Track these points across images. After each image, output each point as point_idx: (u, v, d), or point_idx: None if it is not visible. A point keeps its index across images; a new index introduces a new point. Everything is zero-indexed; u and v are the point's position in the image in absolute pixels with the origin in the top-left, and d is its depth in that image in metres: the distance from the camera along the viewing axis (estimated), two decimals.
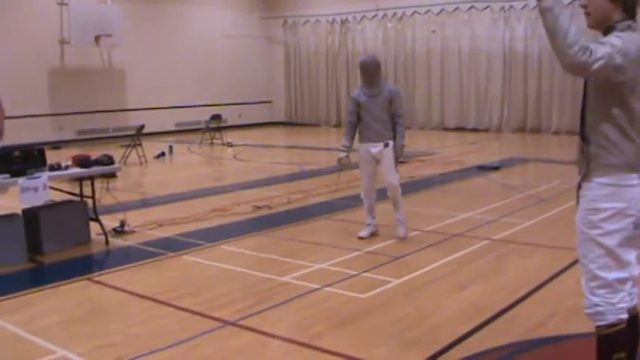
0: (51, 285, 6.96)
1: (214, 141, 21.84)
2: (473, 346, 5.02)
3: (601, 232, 3.51)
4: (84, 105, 23.37)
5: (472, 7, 23.90)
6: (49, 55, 22.53)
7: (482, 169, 14.23)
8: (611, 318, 3.58)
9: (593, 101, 3.54)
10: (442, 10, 24.57)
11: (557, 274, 6.74)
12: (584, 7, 3.55)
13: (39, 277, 7.61)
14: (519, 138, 22.01)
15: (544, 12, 3.22)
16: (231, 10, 28.28)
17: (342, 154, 8.38)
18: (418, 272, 6.97)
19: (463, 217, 9.59)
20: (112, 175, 10.88)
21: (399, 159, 8.38)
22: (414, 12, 25.29)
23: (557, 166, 14.74)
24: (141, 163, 16.74)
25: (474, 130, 24.00)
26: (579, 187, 3.65)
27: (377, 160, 8.26)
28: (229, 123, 26.07)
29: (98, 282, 7.09)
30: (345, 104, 25.46)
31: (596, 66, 3.22)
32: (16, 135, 16.65)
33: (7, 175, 7.74)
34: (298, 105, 29.50)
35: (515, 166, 15.09)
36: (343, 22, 27.49)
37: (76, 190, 8.92)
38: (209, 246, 8.34)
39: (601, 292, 3.58)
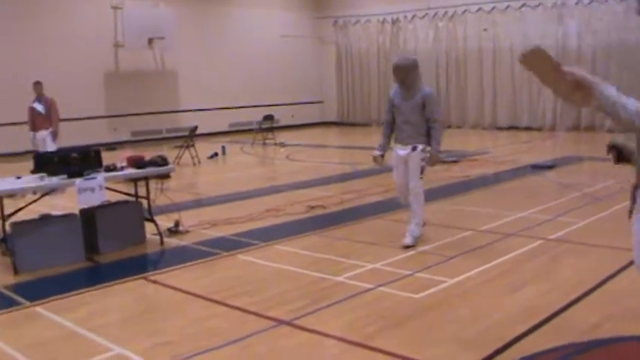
0: (107, 284, 7.06)
1: (267, 141, 21.93)
2: (529, 346, 4.95)
3: None
4: (138, 107, 23.72)
5: (524, 4, 23.61)
6: (104, 59, 22.93)
7: (536, 168, 14.04)
8: None
9: None
10: (494, 8, 24.34)
11: (613, 275, 6.60)
12: None
13: (96, 275, 7.73)
14: (573, 136, 21.67)
15: (599, 107, 3.14)
16: (283, 10, 28.39)
17: (377, 153, 8.22)
18: (472, 272, 6.89)
19: (517, 216, 9.46)
20: (165, 176, 10.98)
21: (434, 165, 8.17)
22: (466, 10, 25.10)
23: (612, 164, 14.43)
24: (194, 164, 16.90)
25: (527, 128, 23.70)
26: (636, 187, 3.54)
27: (406, 162, 8.10)
28: (281, 123, 26.16)
29: (154, 281, 7.17)
30: None
31: None
32: (73, 136, 17.04)
33: (65, 176, 7.89)
34: (350, 105, 29.46)
35: (569, 165, 14.86)
36: (394, 22, 27.38)
37: (131, 191, 9.04)
38: (263, 245, 8.37)
39: None
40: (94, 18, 22.54)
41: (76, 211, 8.48)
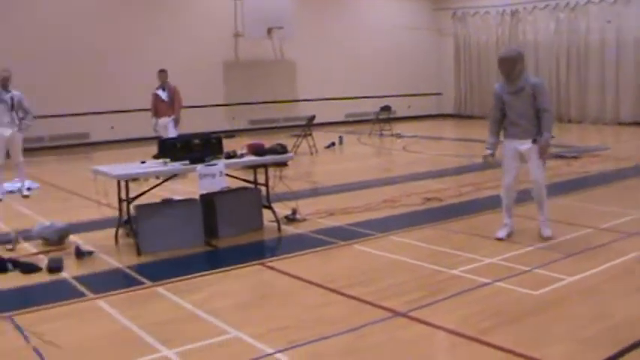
0: (226, 268, 7.19)
1: (384, 132, 21.88)
2: None
3: None
4: (256, 96, 24.11)
5: None
6: (224, 49, 23.46)
7: None
8: None
9: None
10: None
11: None
12: None
13: (214, 260, 7.90)
14: None
15: None
16: (402, 1, 28.25)
17: (488, 152, 8.02)
18: (592, 271, 6.66)
19: None
20: (283, 164, 11.11)
21: (545, 152, 7.90)
22: (588, 1, 24.29)
23: None
24: (311, 153, 17.03)
25: None
26: None
27: (522, 158, 7.89)
28: (398, 114, 26.03)
29: (271, 267, 7.25)
30: None
31: None
32: (193, 124, 17.44)
33: (187, 162, 8.08)
34: (467, 97, 29.06)
35: None
36: (513, 13, 26.80)
37: (250, 178, 9.17)
38: (379, 236, 8.35)
39: None
40: (215, 9, 23.06)
41: (197, 197, 8.68)
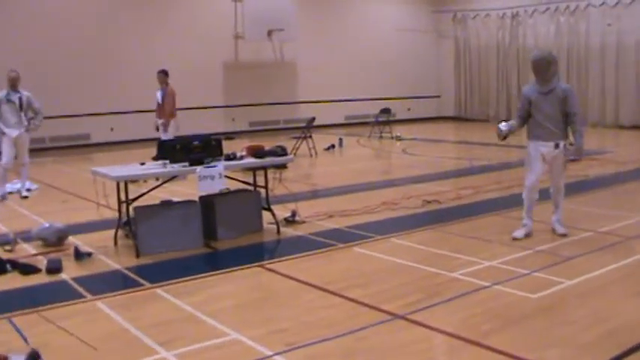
0: (225, 270, 7.20)
1: (383, 134, 21.87)
2: None
3: None
4: (256, 97, 24.11)
5: None
6: (224, 50, 23.45)
7: None
8: None
9: None
10: (618, 2, 23.40)
11: None
12: None
13: (214, 261, 7.90)
14: None
15: None
16: (402, 3, 28.26)
17: (504, 128, 8.13)
18: (592, 274, 6.66)
19: None
20: (283, 166, 11.11)
21: (580, 158, 8.05)
22: (588, 5, 24.28)
23: None
24: (311, 155, 17.03)
25: None
26: None
27: (545, 159, 7.97)
28: (398, 117, 26.00)
29: (270, 269, 7.24)
30: (515, 100, 24.84)
31: None
32: (192, 125, 17.44)
33: (187, 164, 8.07)
34: (467, 100, 29.04)
35: None
36: (514, 16, 26.79)
37: (250, 180, 9.17)
38: (379, 238, 8.34)
39: None
40: (215, 10, 23.08)
41: (196, 198, 8.68)
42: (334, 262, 7.46)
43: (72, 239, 8.46)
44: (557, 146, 7.85)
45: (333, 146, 18.73)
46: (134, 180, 9.10)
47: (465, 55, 28.95)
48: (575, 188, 11.38)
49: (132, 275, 7.14)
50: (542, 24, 25.90)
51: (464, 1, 28.55)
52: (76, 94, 20.23)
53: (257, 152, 8.91)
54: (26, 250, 8.11)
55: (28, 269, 7.20)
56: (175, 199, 9.18)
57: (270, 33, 23.20)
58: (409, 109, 28.24)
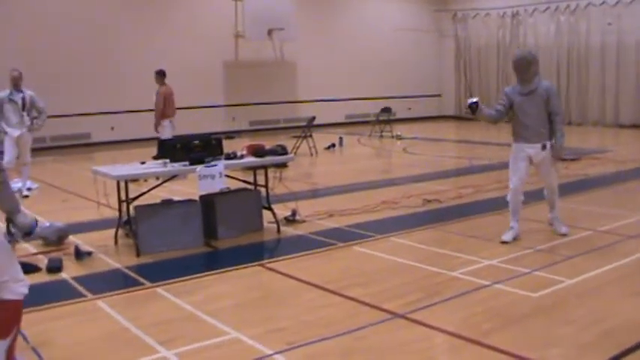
0: (225, 269, 7.20)
1: (384, 133, 21.88)
2: None
3: None
4: (256, 97, 24.12)
5: None
6: (224, 49, 23.45)
7: None
8: None
9: None
10: (618, 1, 23.44)
11: None
12: None
13: (214, 260, 7.90)
14: None
15: None
16: (402, 2, 28.25)
17: (473, 102, 8.04)
18: (592, 273, 6.66)
19: None
20: (283, 165, 11.11)
21: (563, 157, 8.03)
22: (589, 4, 24.30)
23: None
24: (311, 154, 17.03)
25: None
26: None
27: (531, 161, 7.93)
28: (398, 116, 26.02)
29: (270, 268, 7.25)
30: None
31: None
32: (192, 124, 17.45)
33: (187, 163, 8.07)
34: (468, 99, 28.95)
35: None
36: (514, 15, 26.82)
37: (250, 179, 9.17)
38: (379, 238, 8.34)
39: None
40: (215, 9, 23.07)
41: (196, 197, 8.68)
42: (334, 261, 7.46)
43: (72, 238, 8.47)
44: (544, 147, 7.81)
45: (333, 145, 18.73)
46: (134, 179, 9.11)
47: (465, 55, 28.99)
48: (576, 187, 11.41)
49: (132, 274, 7.15)
50: (542, 23, 25.94)
51: (464, 1, 28.61)
52: (76, 93, 20.24)
53: (257, 151, 8.91)
54: (27, 249, 8.11)
55: (28, 268, 7.16)
56: (176, 198, 9.18)
57: (270, 32, 23.20)
58: (410, 109, 28.24)
